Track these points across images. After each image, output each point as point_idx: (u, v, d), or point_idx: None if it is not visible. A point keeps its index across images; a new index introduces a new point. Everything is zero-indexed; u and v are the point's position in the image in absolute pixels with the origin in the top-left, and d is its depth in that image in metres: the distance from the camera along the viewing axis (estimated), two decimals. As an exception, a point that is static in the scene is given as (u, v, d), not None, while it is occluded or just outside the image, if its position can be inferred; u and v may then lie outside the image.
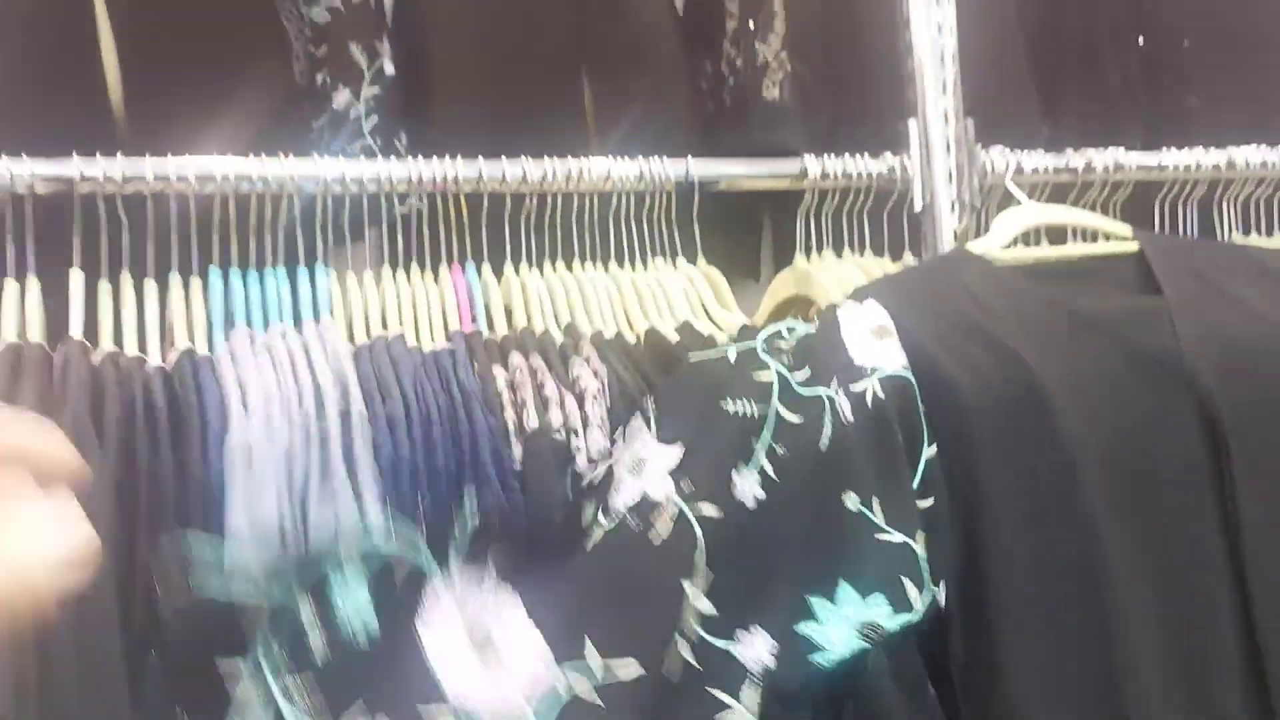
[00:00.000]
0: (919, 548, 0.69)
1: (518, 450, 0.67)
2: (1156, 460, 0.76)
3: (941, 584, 0.70)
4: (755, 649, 0.66)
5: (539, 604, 0.61)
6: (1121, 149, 1.05)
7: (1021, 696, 0.69)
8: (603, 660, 0.60)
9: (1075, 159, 1.04)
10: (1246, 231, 1.10)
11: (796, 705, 0.65)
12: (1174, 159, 1.06)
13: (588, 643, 0.60)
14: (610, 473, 0.66)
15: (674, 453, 0.68)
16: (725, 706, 0.64)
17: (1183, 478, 0.76)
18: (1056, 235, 1.01)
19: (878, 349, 0.77)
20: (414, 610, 0.60)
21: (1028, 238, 0.96)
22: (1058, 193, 1.03)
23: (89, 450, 0.61)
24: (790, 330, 0.79)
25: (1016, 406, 0.75)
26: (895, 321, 0.78)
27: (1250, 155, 1.08)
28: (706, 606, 0.66)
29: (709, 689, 0.64)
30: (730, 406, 0.71)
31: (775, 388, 0.73)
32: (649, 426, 0.69)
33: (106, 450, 0.62)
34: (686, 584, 0.65)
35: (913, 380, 0.75)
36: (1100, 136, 1.12)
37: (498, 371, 0.73)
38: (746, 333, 0.81)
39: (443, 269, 0.87)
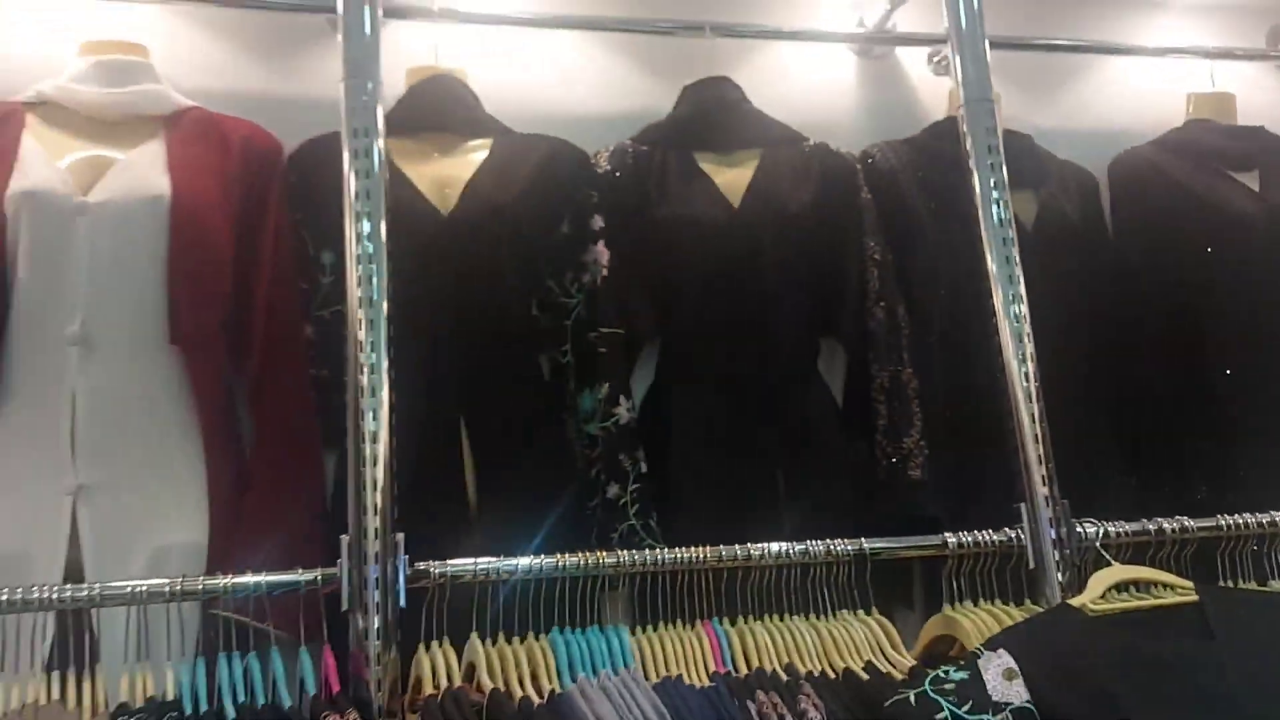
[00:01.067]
0: None
1: (772, 763, 1.04)
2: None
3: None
4: None
5: None
6: (1186, 518, 1.41)
7: None
8: None
9: (1149, 525, 1.40)
10: (1293, 573, 1.43)
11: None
12: (1227, 521, 1.42)
13: None
14: None
15: None
16: None
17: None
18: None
19: (1009, 689, 1.13)
20: None
21: (1117, 588, 1.31)
22: (1138, 549, 1.39)
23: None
24: (946, 673, 1.16)
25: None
26: (1020, 665, 1.15)
27: (1290, 516, 1.42)
28: None
29: None
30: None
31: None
32: None
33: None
34: None
35: (1035, 711, 1.10)
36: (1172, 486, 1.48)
37: (750, 705, 1.11)
38: (917, 675, 1.18)
39: (698, 626, 1.28)
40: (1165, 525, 1.40)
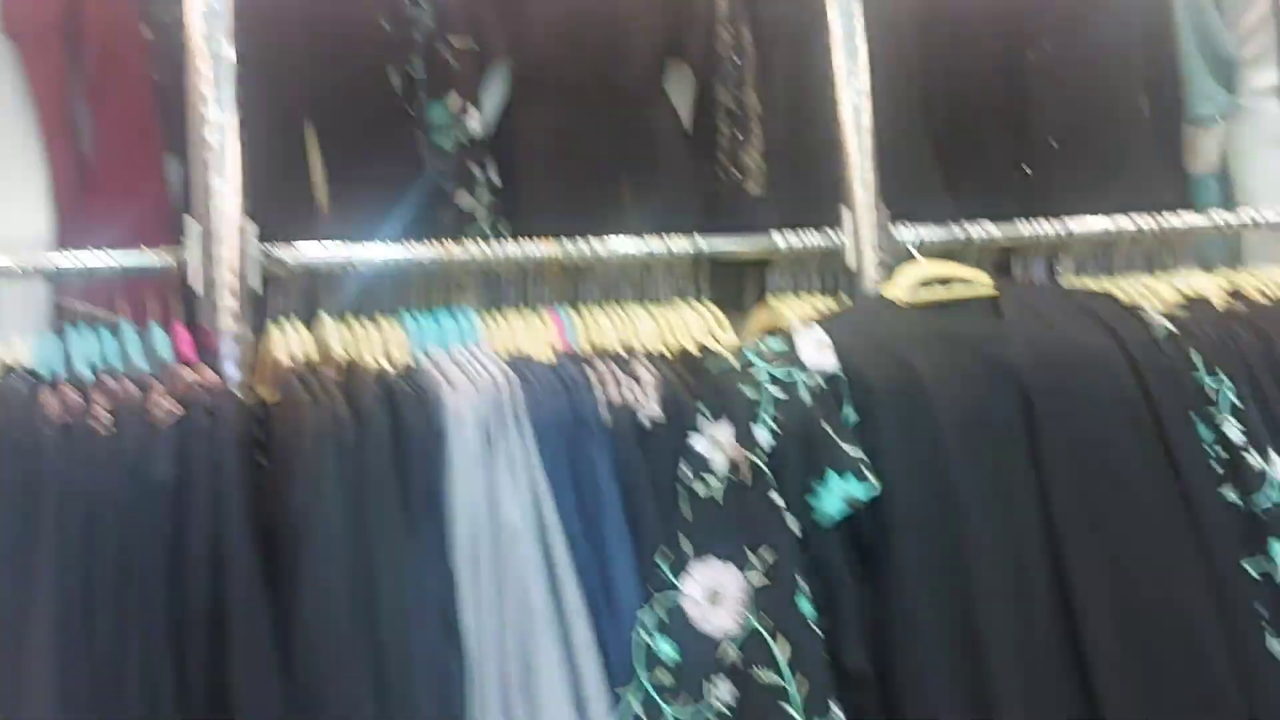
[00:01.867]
0: (865, 458, 1.17)
1: (606, 415, 1.15)
2: (993, 425, 1.25)
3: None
4: (789, 523, 1.13)
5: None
6: (989, 222, 1.55)
7: (906, 581, 1.16)
8: (755, 555, 1.09)
9: (958, 231, 1.54)
10: (1078, 275, 1.60)
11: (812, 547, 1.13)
12: (1026, 229, 1.56)
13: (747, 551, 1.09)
14: (704, 456, 1.14)
15: (726, 425, 1.17)
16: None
17: (1010, 434, 1.24)
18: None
19: (821, 357, 1.26)
20: None
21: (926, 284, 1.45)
22: (949, 253, 1.53)
23: (345, 426, 1.09)
24: (766, 343, 1.28)
25: (903, 391, 1.24)
26: (832, 339, 1.27)
27: (1081, 225, 1.58)
28: None
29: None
30: (744, 390, 1.20)
31: (766, 378, 1.22)
32: (707, 418, 1.18)
33: (364, 424, 1.10)
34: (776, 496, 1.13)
35: (842, 375, 1.24)
36: (987, 206, 1.62)
37: (590, 372, 1.21)
38: (741, 349, 1.30)
39: (544, 311, 1.36)
40: (972, 231, 1.54)
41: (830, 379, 1.23)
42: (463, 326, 1.29)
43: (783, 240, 1.47)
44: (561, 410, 1.13)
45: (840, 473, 1.16)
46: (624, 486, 1.12)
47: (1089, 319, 1.36)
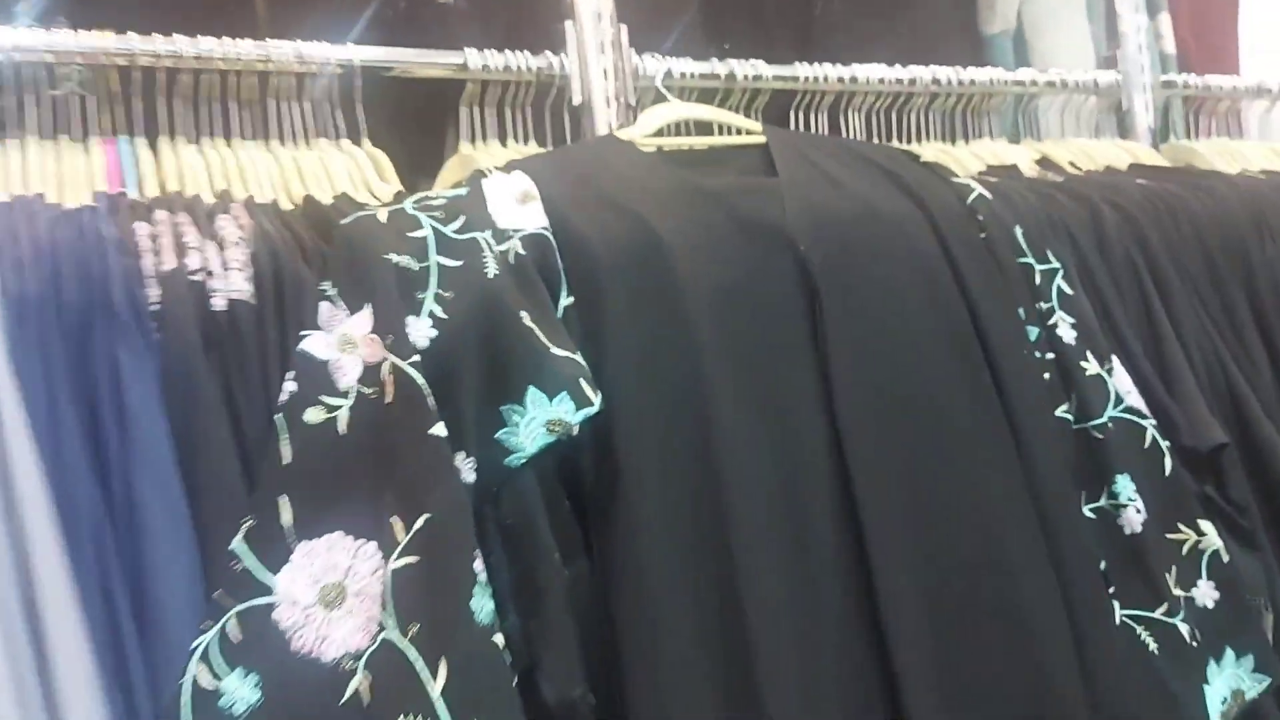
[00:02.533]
0: (583, 362, 0.76)
1: (149, 292, 0.68)
2: (759, 309, 0.87)
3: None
4: (459, 470, 0.70)
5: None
6: (761, 61, 1.17)
7: (640, 524, 0.77)
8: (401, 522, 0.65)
9: (720, 67, 1.15)
10: (868, 138, 1.25)
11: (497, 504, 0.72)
12: (805, 71, 1.19)
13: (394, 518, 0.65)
14: (323, 364, 0.69)
15: (366, 316, 0.72)
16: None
17: (782, 322, 0.87)
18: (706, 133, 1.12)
19: (521, 212, 0.84)
20: None
21: (680, 132, 1.05)
22: (705, 98, 1.14)
23: None
24: (437, 195, 0.84)
25: (638, 259, 0.83)
26: (540, 189, 0.85)
27: (870, 72, 1.23)
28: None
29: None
30: (394, 259, 0.76)
31: (431, 241, 0.78)
32: (336, 304, 0.73)
33: None
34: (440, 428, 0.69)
35: (551, 239, 0.82)
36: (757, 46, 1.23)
37: (139, 227, 0.74)
38: (398, 198, 0.86)
39: (94, 142, 0.87)
40: (737, 69, 1.15)
41: (533, 243, 0.81)
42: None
43: (479, 58, 1.02)
44: (62, 281, 0.66)
45: (546, 389, 0.75)
46: (177, 413, 0.66)
47: (885, 180, 1.01)
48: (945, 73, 1.28)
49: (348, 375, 0.71)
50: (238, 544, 0.64)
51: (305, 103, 0.95)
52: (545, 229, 0.83)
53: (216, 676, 0.61)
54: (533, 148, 1.07)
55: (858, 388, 0.87)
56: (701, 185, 0.92)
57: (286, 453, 0.67)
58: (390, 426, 0.70)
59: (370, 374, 0.71)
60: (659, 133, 1.01)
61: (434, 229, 0.79)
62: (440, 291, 0.76)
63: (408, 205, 0.81)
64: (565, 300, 0.81)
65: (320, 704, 0.62)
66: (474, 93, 1.03)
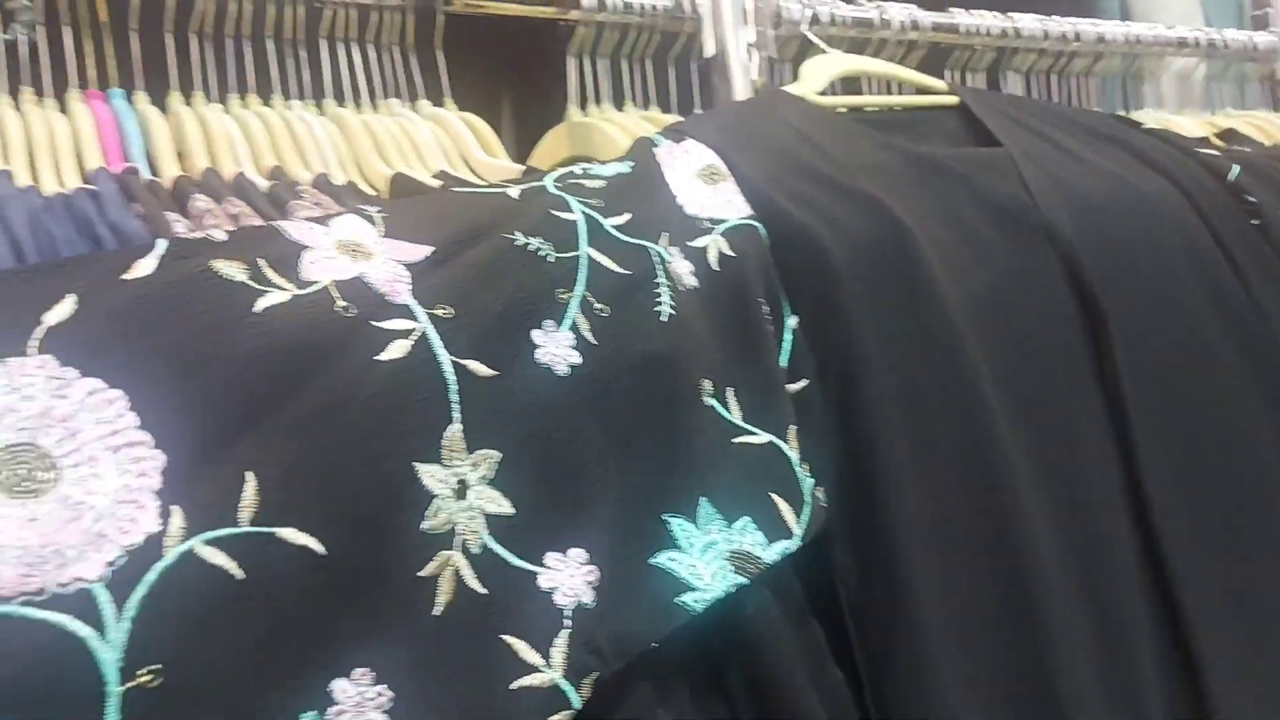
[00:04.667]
0: (791, 450, 0.51)
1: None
2: (1028, 321, 0.62)
3: (821, 491, 0.52)
4: (574, 582, 0.44)
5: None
6: (916, 8, 0.93)
7: (929, 625, 0.52)
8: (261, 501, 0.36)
9: (871, 11, 0.90)
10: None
11: (666, 675, 0.45)
12: (965, 20, 0.95)
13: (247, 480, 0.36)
14: (299, 242, 0.41)
15: (418, 251, 0.45)
16: (529, 669, 0.42)
17: (1055, 336, 0.63)
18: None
19: (713, 196, 0.58)
20: None
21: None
22: (856, 48, 0.89)
23: None
24: (586, 170, 0.58)
25: (882, 259, 0.58)
26: (726, 162, 0.60)
27: (1032, 25, 1.00)
28: (499, 504, 0.43)
29: (503, 636, 0.41)
30: (522, 240, 0.49)
31: (582, 229, 0.52)
32: (373, 223, 0.45)
33: None
34: (444, 433, 0.41)
35: (763, 233, 0.57)
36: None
37: (174, 218, 0.47)
38: (530, 175, 0.59)
39: (74, 97, 0.59)
40: (891, 13, 0.91)
41: (742, 241, 0.56)
42: None
43: (588, -4, 0.76)
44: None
45: (722, 507, 0.48)
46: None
47: (1120, 151, 0.77)
48: (1110, 28, 1.05)
49: (324, 268, 0.42)
50: None
51: (369, 48, 0.68)
52: (751, 219, 0.57)
53: None
54: (655, 114, 0.81)
55: (1158, 433, 0.64)
56: (929, 157, 0.68)
57: (143, 267, 0.39)
58: (354, 369, 0.41)
59: (369, 296, 0.42)
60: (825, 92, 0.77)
61: (586, 215, 0.52)
62: (590, 298, 0.49)
63: (548, 183, 0.55)
64: (790, 321, 0.56)
65: None
66: (586, 40, 0.77)
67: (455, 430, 0.41)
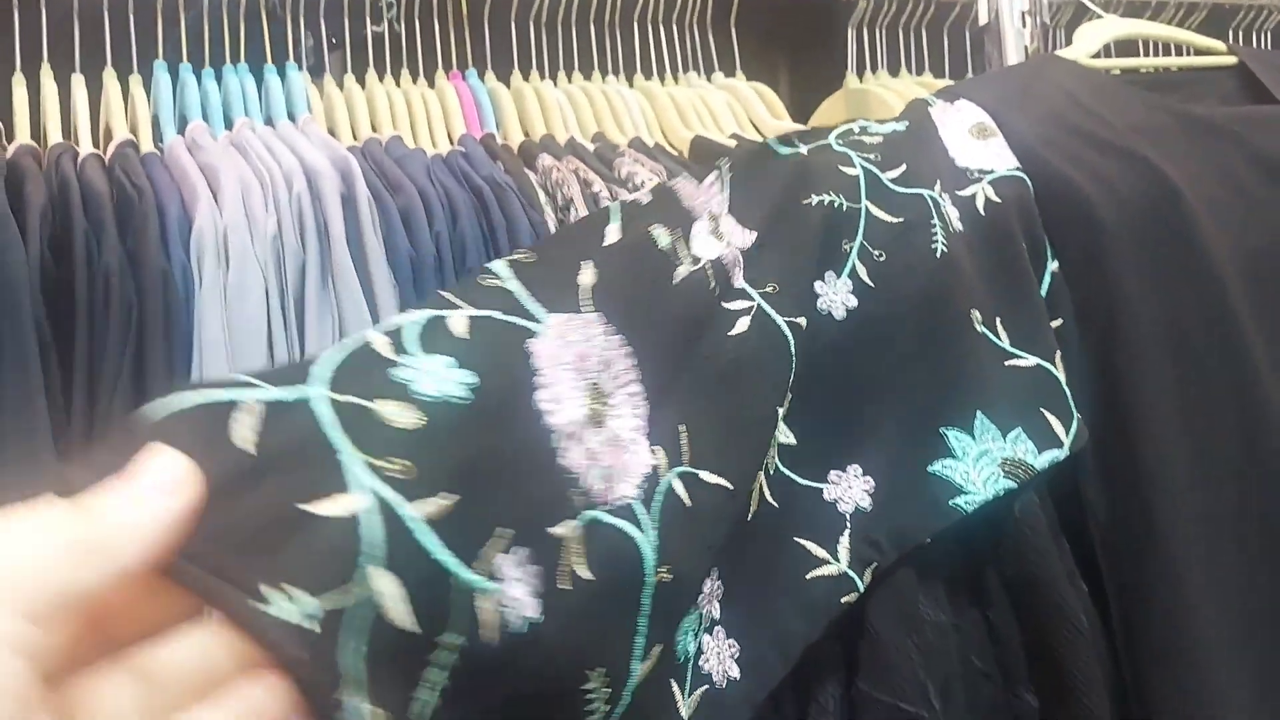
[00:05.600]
0: (1059, 371, 0.56)
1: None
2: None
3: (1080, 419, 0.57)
4: (853, 492, 0.52)
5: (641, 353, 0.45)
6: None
7: (1182, 563, 0.56)
8: (691, 449, 0.45)
9: (1150, -26, 0.92)
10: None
11: (923, 571, 0.52)
12: (1254, -20, 0.94)
13: (682, 431, 0.45)
14: (689, 211, 0.50)
15: (748, 237, 0.54)
16: (820, 561, 0.50)
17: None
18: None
19: (982, 150, 0.64)
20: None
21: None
22: (1132, 13, 0.91)
23: (10, 248, 0.46)
24: (865, 128, 0.65)
25: (1150, 215, 0.62)
26: (997, 120, 0.65)
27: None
28: (786, 435, 0.51)
29: (797, 539, 0.50)
30: (813, 201, 0.57)
31: (862, 183, 0.59)
32: (723, 190, 0.54)
33: (30, 243, 0.46)
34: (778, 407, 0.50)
35: (1029, 184, 0.62)
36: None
37: (528, 173, 0.58)
38: (815, 133, 0.67)
39: (440, 76, 0.72)
40: (1174, -24, 0.92)
41: (1009, 189, 0.61)
42: (272, 91, 0.64)
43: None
44: (462, 240, 0.50)
45: (998, 420, 0.54)
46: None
47: None
48: None
49: (701, 245, 0.50)
50: (500, 265, 0.43)
51: (674, 26, 0.78)
52: (1018, 170, 0.62)
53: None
54: (928, 80, 0.86)
55: None
56: (1192, 114, 0.70)
57: (613, 233, 0.47)
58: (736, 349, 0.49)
59: (722, 274, 0.51)
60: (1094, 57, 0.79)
61: (866, 169, 0.60)
62: (868, 246, 0.56)
63: (833, 140, 0.62)
64: (1051, 265, 0.61)
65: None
66: (865, 12, 0.84)
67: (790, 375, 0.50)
